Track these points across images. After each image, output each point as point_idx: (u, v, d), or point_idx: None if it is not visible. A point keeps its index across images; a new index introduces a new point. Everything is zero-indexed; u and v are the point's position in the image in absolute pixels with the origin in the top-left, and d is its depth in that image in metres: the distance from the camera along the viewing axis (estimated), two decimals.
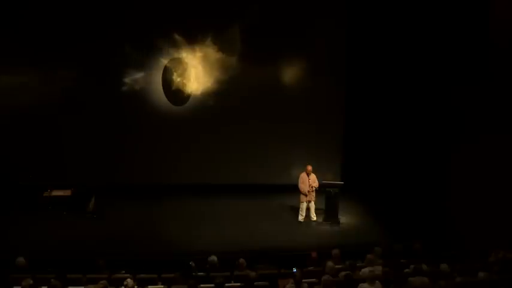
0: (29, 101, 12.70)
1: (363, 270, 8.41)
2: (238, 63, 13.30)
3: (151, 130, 13.51)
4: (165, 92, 13.48)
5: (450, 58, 11.65)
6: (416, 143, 12.73)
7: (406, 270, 8.22)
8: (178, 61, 13.41)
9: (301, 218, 12.07)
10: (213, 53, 13.29)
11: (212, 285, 7.84)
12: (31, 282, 7.47)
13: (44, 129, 12.99)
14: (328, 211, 12.07)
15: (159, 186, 13.17)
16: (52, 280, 7.57)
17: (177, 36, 13.07)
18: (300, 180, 12.00)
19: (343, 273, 8.11)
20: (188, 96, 13.57)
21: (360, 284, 7.77)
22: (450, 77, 11.68)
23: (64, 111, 13.00)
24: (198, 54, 13.32)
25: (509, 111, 10.47)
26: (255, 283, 8.00)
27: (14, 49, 12.45)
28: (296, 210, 12.21)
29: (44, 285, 7.61)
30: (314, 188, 11.97)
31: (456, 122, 11.67)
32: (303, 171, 12.05)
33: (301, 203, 12.03)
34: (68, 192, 12.04)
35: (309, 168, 11.99)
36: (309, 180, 11.94)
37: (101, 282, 7.56)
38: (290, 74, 13.53)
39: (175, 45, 13.17)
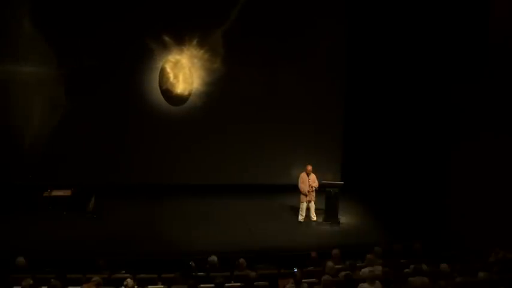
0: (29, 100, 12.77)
1: (363, 270, 8.40)
2: (238, 64, 13.30)
3: (151, 130, 13.50)
4: (162, 93, 13.48)
5: (450, 56, 11.65)
6: (416, 142, 12.73)
7: (406, 270, 8.22)
8: (174, 62, 13.38)
9: (301, 218, 12.06)
10: (212, 53, 13.30)
11: (212, 285, 7.83)
12: (31, 282, 7.44)
13: (44, 129, 12.98)
14: (328, 211, 12.06)
15: (159, 186, 13.17)
16: (52, 280, 7.55)
17: (167, 39, 13.07)
18: (300, 180, 11.99)
19: (343, 273, 8.10)
20: (187, 96, 13.56)
21: (360, 284, 7.76)
22: (450, 75, 11.68)
23: (64, 110, 13.00)
24: (197, 55, 13.32)
25: (509, 109, 10.47)
26: (255, 283, 7.99)
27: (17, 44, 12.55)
28: (296, 210, 12.20)
29: (44, 285, 7.60)
30: (314, 188, 11.96)
31: (456, 121, 11.67)
32: (302, 171, 12.04)
33: (301, 203, 12.02)
34: (68, 192, 12.03)
35: (309, 168, 11.98)
36: (308, 180, 11.93)
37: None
38: (290, 73, 13.55)
39: (172, 47, 13.18)
